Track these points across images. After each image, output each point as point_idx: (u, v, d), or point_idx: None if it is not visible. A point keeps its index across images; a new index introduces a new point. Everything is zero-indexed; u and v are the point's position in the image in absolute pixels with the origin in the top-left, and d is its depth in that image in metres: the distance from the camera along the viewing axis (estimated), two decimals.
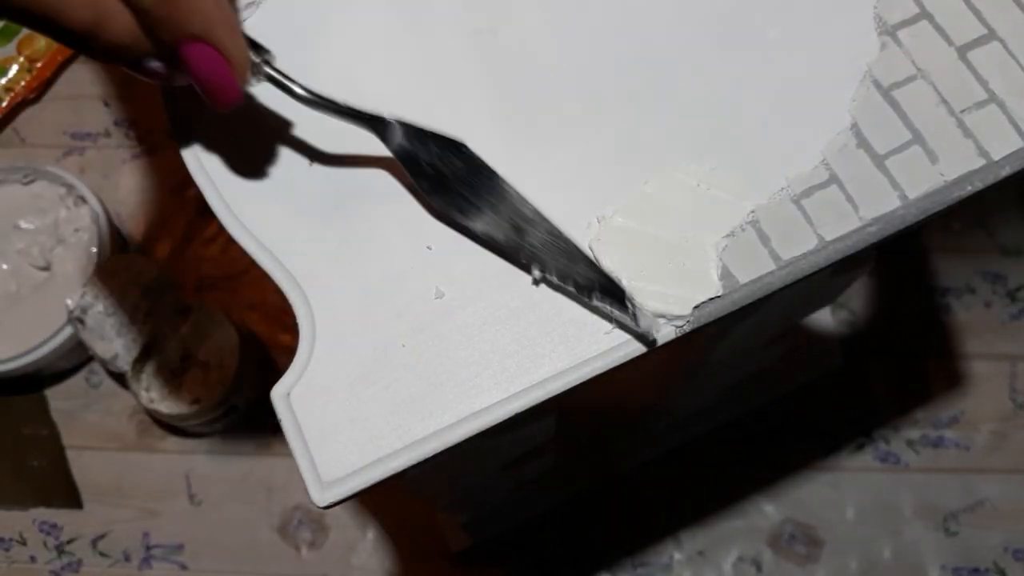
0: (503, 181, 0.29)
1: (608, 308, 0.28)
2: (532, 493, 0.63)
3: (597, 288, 0.28)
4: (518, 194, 0.29)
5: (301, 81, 0.29)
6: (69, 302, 0.62)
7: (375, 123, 0.29)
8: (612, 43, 0.32)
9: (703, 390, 0.59)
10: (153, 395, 0.63)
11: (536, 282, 0.29)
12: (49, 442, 0.68)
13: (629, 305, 0.28)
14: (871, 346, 0.67)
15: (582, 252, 0.29)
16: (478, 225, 0.29)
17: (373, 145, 0.29)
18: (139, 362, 0.63)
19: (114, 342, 0.62)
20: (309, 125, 0.31)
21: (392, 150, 0.29)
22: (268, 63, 0.28)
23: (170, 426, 0.67)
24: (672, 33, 0.32)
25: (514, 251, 0.29)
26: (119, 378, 0.68)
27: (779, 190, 0.30)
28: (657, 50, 0.32)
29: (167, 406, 0.63)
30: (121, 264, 0.63)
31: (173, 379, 0.64)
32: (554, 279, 0.29)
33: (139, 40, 0.26)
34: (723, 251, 0.29)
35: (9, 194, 0.68)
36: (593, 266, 0.28)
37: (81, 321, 0.62)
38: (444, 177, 0.29)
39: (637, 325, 0.28)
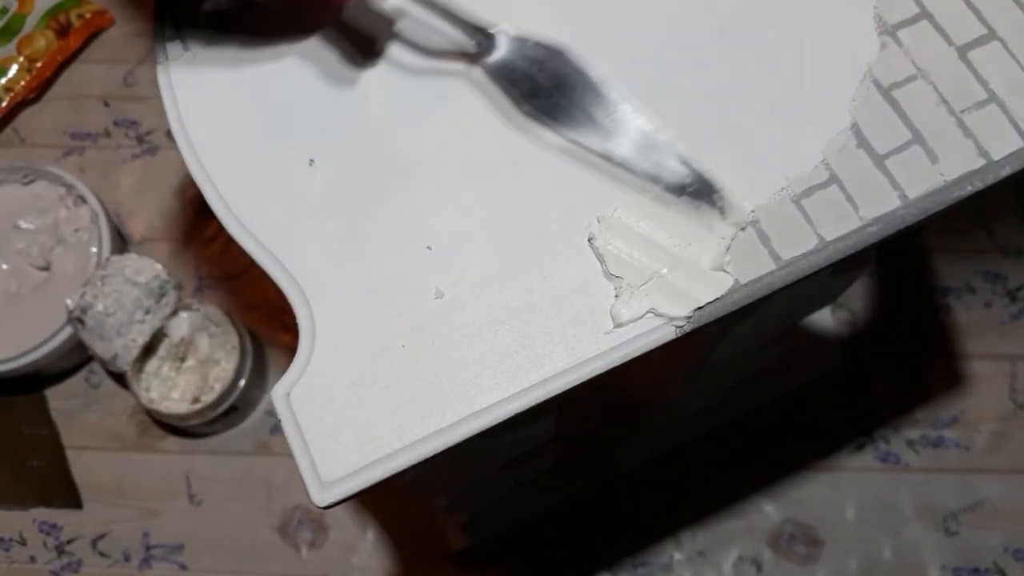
0: (602, 86, 0.30)
1: (696, 204, 0.29)
2: (532, 493, 0.63)
3: (688, 184, 0.29)
4: (614, 97, 0.30)
5: None
6: (69, 302, 0.62)
7: (478, 31, 0.30)
8: (612, 43, 0.32)
9: (703, 390, 0.59)
10: (153, 395, 0.63)
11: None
12: (49, 442, 0.68)
13: (718, 200, 0.29)
14: (871, 346, 0.67)
15: (673, 150, 0.30)
16: (569, 131, 0.30)
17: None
18: (139, 362, 0.63)
19: (114, 342, 0.62)
20: (312, 123, 0.31)
21: (492, 59, 0.30)
22: None
23: (170, 426, 0.67)
24: (672, 33, 0.32)
25: (605, 154, 0.30)
26: (119, 378, 0.68)
27: (779, 190, 0.30)
28: (657, 50, 0.32)
29: (167, 406, 0.63)
30: (121, 264, 0.63)
31: (173, 379, 0.64)
32: (645, 177, 0.30)
33: None
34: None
35: (9, 194, 0.68)
36: (684, 163, 0.30)
37: (81, 321, 0.62)
38: (540, 84, 0.30)
39: (724, 219, 0.29)
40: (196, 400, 0.63)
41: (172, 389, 0.64)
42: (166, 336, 0.64)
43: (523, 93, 0.30)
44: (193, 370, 0.64)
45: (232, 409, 0.65)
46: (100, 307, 0.62)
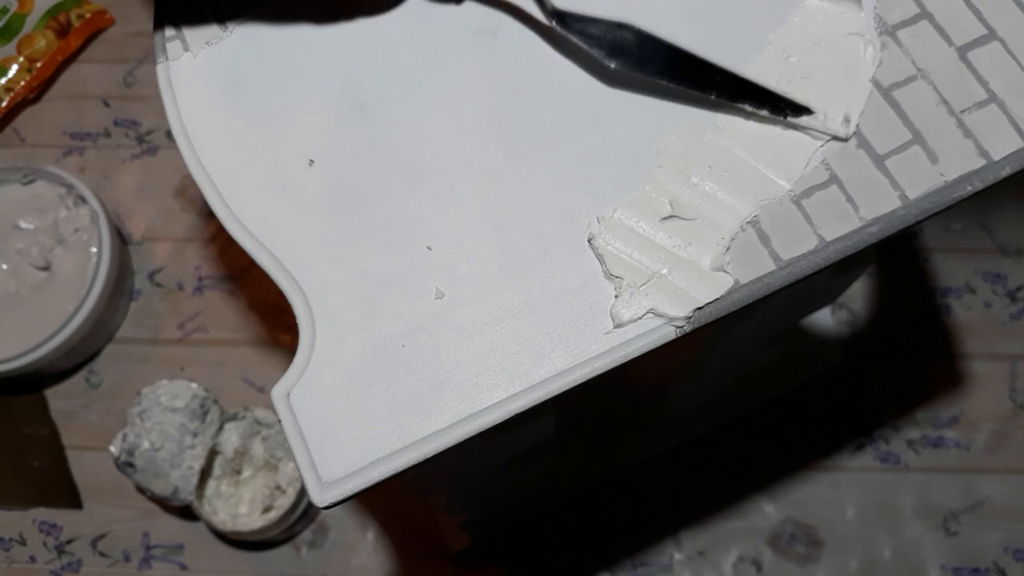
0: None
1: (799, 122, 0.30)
2: (532, 493, 0.63)
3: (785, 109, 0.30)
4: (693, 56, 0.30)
5: None
6: (113, 449, 0.59)
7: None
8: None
9: (703, 389, 0.59)
10: (223, 516, 0.60)
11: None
12: (49, 442, 0.68)
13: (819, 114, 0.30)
14: (871, 346, 0.67)
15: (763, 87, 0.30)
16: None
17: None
18: (200, 488, 0.60)
19: (171, 476, 0.59)
20: (312, 123, 0.31)
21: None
22: None
23: (256, 543, 0.64)
24: (671, 32, 0.32)
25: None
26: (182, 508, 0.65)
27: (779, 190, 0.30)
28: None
29: (242, 523, 0.60)
30: (155, 394, 0.60)
31: (235, 494, 0.62)
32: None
33: None
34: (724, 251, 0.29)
35: (9, 194, 0.68)
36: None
37: (131, 464, 0.59)
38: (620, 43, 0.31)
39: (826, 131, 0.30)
40: (268, 509, 0.60)
41: (238, 505, 0.61)
42: (219, 453, 0.62)
43: (607, 52, 0.30)
44: (252, 479, 0.62)
45: (311, 506, 0.62)
46: (146, 444, 0.58)
